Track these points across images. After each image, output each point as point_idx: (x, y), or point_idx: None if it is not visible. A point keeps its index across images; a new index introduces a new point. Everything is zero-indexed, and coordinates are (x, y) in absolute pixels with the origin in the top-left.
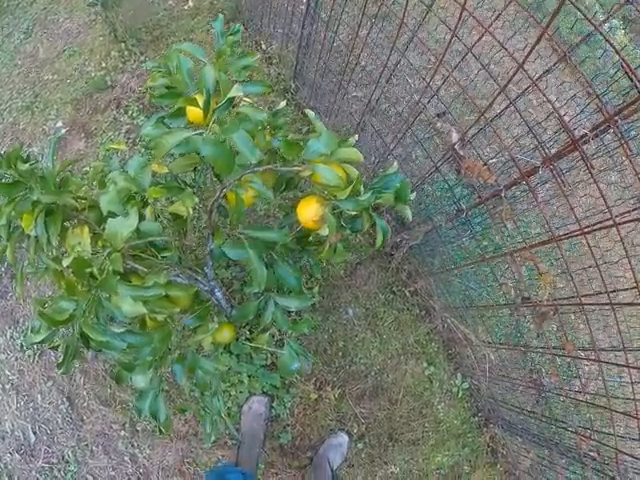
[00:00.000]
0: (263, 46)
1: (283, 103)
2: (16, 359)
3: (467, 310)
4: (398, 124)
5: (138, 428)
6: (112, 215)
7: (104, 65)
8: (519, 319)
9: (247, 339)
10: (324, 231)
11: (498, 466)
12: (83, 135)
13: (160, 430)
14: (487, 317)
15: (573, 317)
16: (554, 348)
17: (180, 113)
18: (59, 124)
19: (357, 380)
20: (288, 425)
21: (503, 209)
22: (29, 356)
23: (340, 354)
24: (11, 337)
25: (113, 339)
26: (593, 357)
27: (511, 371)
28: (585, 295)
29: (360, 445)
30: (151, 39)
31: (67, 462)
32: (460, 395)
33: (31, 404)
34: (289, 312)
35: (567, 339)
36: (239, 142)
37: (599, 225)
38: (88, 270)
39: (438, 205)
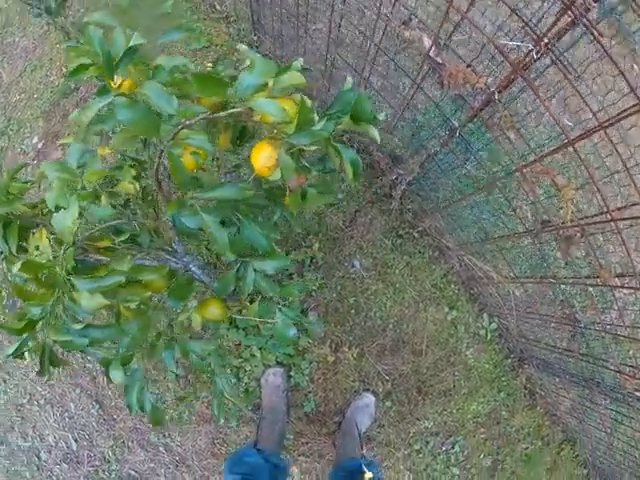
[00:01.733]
0: (217, 7)
1: (244, 46)
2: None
3: (483, 245)
4: (366, 47)
5: (166, 417)
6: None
7: (65, 70)
8: (542, 248)
9: (239, 311)
10: (276, 175)
11: (538, 408)
12: (59, 143)
13: (153, 422)
14: (506, 250)
15: (602, 239)
16: (586, 277)
17: (106, 89)
18: (35, 140)
19: (375, 336)
20: (310, 392)
21: (501, 117)
22: None
23: (353, 311)
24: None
25: (75, 337)
26: (635, 284)
27: (540, 307)
28: (615, 210)
29: (388, 403)
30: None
31: (109, 462)
32: (489, 337)
33: (66, 414)
34: (290, 275)
35: (600, 266)
36: (152, 95)
37: (623, 114)
38: (44, 272)
39: (429, 130)
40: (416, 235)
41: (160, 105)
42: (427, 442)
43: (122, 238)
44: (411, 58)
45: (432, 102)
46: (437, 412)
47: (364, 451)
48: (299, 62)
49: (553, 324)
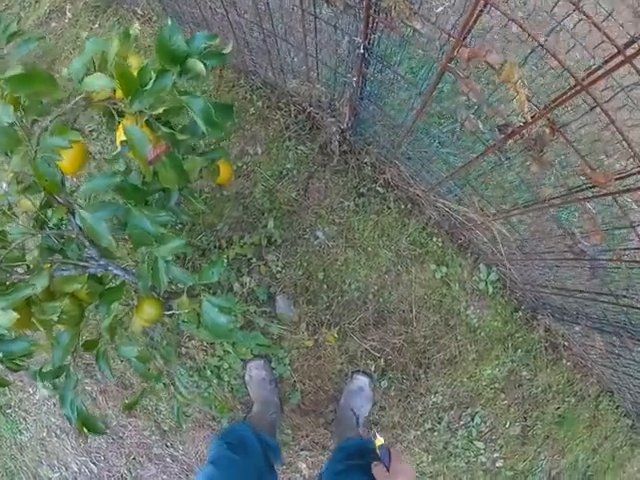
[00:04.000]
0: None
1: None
2: (54, 405)
3: (450, 181)
4: None
5: (165, 428)
6: None
7: None
8: (512, 165)
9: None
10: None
11: (564, 361)
12: None
13: (91, 431)
14: (476, 180)
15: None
16: (577, 190)
17: None
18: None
19: (355, 310)
20: (295, 382)
21: (393, 5)
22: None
23: (325, 287)
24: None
25: None
26: None
27: (536, 244)
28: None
29: (384, 383)
30: None
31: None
32: (491, 291)
33: (80, 439)
34: (249, 260)
35: (590, 168)
36: None
37: None
38: None
39: (339, 61)
40: (380, 189)
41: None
42: (440, 418)
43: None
44: None
45: (329, 25)
46: (445, 384)
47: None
48: (134, 28)
49: (556, 262)
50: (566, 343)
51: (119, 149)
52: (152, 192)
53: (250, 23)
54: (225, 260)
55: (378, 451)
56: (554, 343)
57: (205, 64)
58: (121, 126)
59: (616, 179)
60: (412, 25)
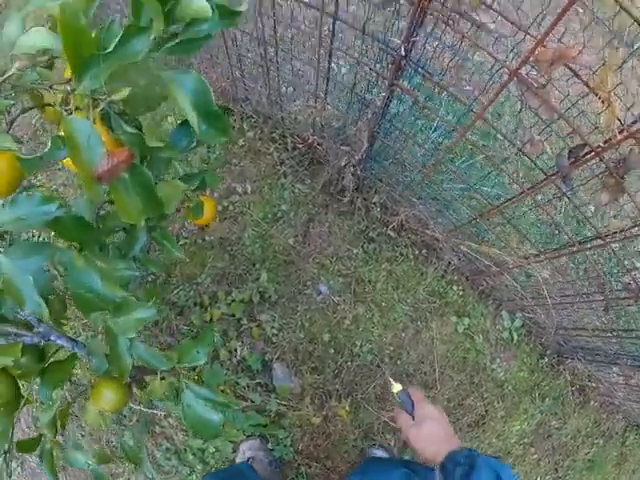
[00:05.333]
0: None
1: None
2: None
3: (481, 221)
4: None
5: None
6: None
7: None
8: (573, 195)
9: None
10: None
11: (591, 403)
12: None
13: None
14: (514, 220)
15: None
16: None
17: None
18: None
19: (368, 377)
20: (300, 465)
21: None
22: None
23: (331, 351)
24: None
25: None
26: None
27: (582, 285)
28: None
29: (407, 457)
30: None
31: None
32: (516, 339)
33: None
34: (238, 320)
35: None
36: None
37: None
38: None
39: (363, 73)
40: (392, 234)
41: None
42: None
43: None
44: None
45: (353, 27)
46: (474, 447)
47: None
48: None
49: (599, 303)
50: (594, 384)
51: (47, 149)
52: (108, 231)
53: (247, 40)
54: (215, 332)
55: (398, 399)
56: (581, 386)
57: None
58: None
59: None
60: (477, 19)
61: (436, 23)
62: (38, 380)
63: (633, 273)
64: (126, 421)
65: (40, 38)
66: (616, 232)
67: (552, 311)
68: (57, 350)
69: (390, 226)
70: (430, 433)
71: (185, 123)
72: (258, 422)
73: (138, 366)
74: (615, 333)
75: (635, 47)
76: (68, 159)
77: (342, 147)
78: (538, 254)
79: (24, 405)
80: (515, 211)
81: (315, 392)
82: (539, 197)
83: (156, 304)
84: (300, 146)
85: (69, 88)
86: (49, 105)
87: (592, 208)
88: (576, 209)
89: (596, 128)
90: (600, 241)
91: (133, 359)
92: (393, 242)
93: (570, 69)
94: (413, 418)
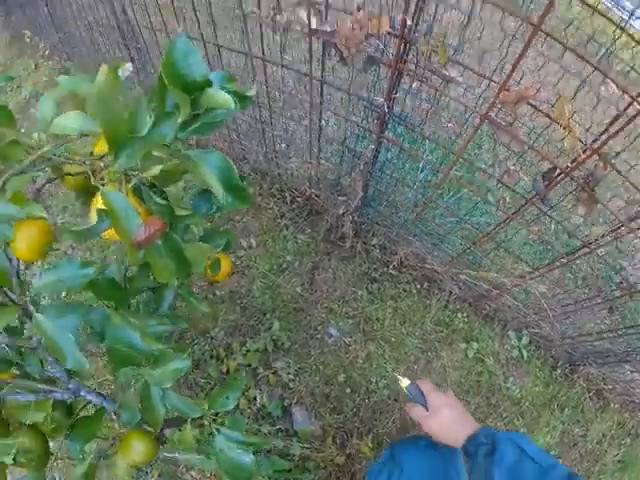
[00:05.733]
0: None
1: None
2: None
3: (476, 249)
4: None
5: None
6: None
7: None
8: (552, 213)
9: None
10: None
11: (612, 405)
12: None
13: None
14: (505, 241)
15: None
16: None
17: None
18: None
19: (387, 412)
20: None
21: (428, 52)
22: None
23: (348, 390)
24: None
25: None
26: None
27: (580, 293)
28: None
29: None
30: None
31: None
32: (526, 355)
33: None
34: (254, 369)
35: None
36: None
37: None
38: None
39: (353, 128)
40: (393, 272)
41: None
42: None
43: None
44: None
45: (340, 89)
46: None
47: None
48: (126, 67)
49: (604, 306)
50: (610, 386)
51: (93, 222)
52: (135, 292)
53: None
54: (244, 379)
55: (408, 393)
56: (598, 390)
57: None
58: (97, 197)
59: None
60: (447, 75)
61: (412, 81)
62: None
63: (622, 272)
64: (148, 477)
65: (74, 120)
66: (597, 239)
67: (555, 323)
68: (85, 405)
69: (390, 265)
70: (447, 420)
71: (204, 192)
72: (283, 467)
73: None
74: (620, 332)
75: (586, 77)
76: (108, 231)
77: (339, 197)
78: (532, 271)
79: (54, 461)
80: (506, 235)
81: (336, 432)
82: (527, 218)
83: (189, 356)
84: (298, 199)
85: (102, 164)
86: (69, 175)
87: (580, 220)
88: (562, 223)
89: (562, 152)
90: (586, 249)
91: (166, 409)
92: (395, 280)
93: (532, 106)
94: (427, 409)
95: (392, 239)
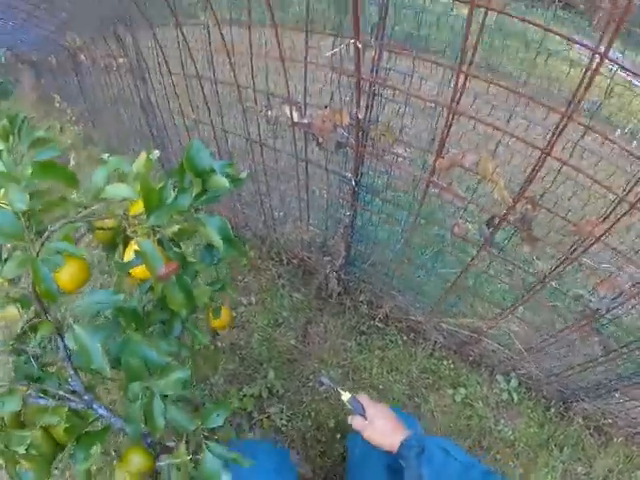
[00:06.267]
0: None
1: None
2: None
3: (449, 298)
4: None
5: None
6: None
7: None
8: (505, 255)
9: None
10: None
11: (615, 439)
12: None
13: None
14: (474, 286)
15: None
16: (571, 251)
17: None
18: None
19: None
20: None
21: (378, 136)
22: None
23: (338, 436)
24: None
25: None
26: None
27: (550, 328)
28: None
29: None
30: None
31: None
32: (516, 398)
33: None
34: (249, 413)
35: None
36: (13, 197)
37: None
38: None
39: (332, 198)
40: (380, 325)
41: (14, 203)
42: None
43: None
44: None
45: (320, 167)
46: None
47: None
48: (153, 154)
49: (576, 335)
50: (610, 420)
51: (132, 258)
52: (151, 322)
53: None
54: (230, 404)
55: (349, 406)
56: (598, 426)
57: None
58: (131, 243)
59: (602, 222)
60: (396, 152)
61: (371, 159)
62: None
63: (582, 300)
64: None
65: (121, 190)
66: (545, 274)
67: (532, 361)
68: (95, 419)
69: (377, 318)
70: (382, 427)
71: (209, 246)
72: None
73: (159, 442)
74: (600, 360)
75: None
76: (137, 268)
77: (325, 257)
78: (501, 312)
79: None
80: (474, 280)
81: (326, 475)
82: (485, 263)
83: (190, 368)
84: (294, 260)
85: (136, 221)
86: (101, 229)
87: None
88: (513, 262)
89: (495, 202)
90: (540, 284)
91: (165, 419)
92: (382, 332)
93: (463, 167)
94: (366, 419)
95: (377, 294)
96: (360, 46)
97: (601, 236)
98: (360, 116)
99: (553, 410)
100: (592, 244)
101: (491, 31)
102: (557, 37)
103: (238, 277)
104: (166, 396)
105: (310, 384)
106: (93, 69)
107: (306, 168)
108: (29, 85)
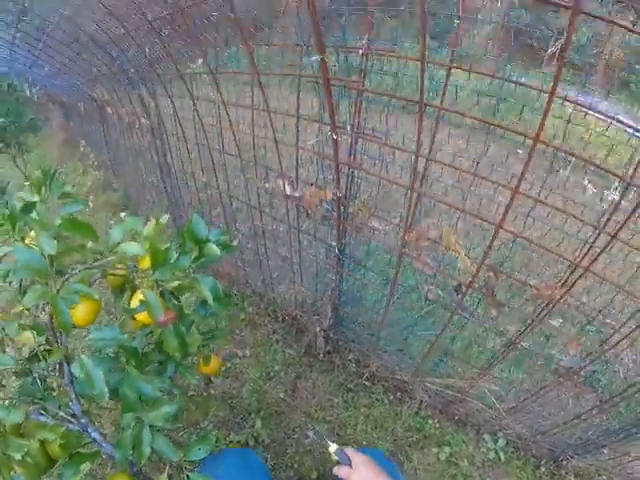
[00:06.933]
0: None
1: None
2: None
3: (431, 357)
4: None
5: None
6: None
7: None
8: (475, 317)
9: None
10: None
11: None
12: None
13: None
14: (452, 348)
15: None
16: (537, 314)
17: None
18: None
19: None
20: None
21: (356, 212)
22: None
23: None
24: None
25: None
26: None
27: (528, 387)
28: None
29: None
30: None
31: None
32: (503, 457)
33: None
34: None
35: (535, 288)
36: (42, 242)
37: None
38: None
39: (319, 264)
40: (367, 383)
41: (43, 247)
42: None
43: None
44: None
45: (310, 235)
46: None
47: None
48: (164, 218)
49: (554, 393)
50: (604, 477)
51: (137, 306)
52: (149, 362)
53: (246, 238)
54: (214, 436)
55: (336, 457)
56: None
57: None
58: (137, 293)
59: (561, 286)
60: (373, 226)
61: (352, 231)
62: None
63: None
64: None
65: (133, 247)
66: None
67: (514, 419)
68: (88, 443)
69: (364, 377)
70: (365, 474)
71: (204, 302)
72: None
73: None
74: (584, 417)
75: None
76: (141, 314)
77: (314, 317)
78: (479, 372)
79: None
80: (451, 342)
81: None
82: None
83: (177, 403)
84: (288, 318)
85: (143, 274)
86: (113, 275)
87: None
88: (484, 325)
89: (459, 270)
90: (511, 346)
91: (152, 449)
92: (369, 390)
93: (430, 240)
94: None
95: (365, 354)
96: (335, 137)
97: (560, 298)
98: (339, 194)
99: (543, 469)
100: (553, 307)
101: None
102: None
103: (236, 330)
104: (155, 427)
105: (295, 436)
106: (118, 123)
107: (298, 235)
108: (58, 125)
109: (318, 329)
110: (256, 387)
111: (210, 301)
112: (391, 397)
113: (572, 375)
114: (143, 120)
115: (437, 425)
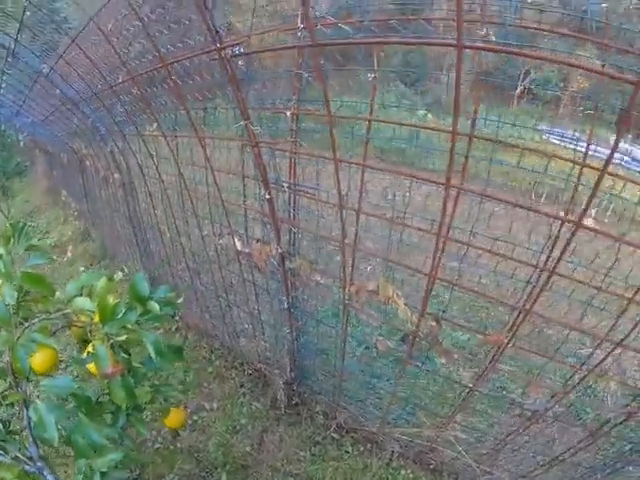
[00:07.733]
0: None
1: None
2: None
3: (397, 406)
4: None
5: None
6: None
7: None
8: (427, 365)
9: None
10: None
11: None
12: None
13: None
14: (413, 397)
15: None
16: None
17: None
18: None
19: None
20: None
21: (299, 267)
22: None
23: None
24: None
25: None
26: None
27: (496, 433)
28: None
29: None
30: None
31: None
32: None
33: None
34: None
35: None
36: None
37: None
38: None
39: (271, 317)
40: (335, 435)
41: (5, 297)
42: None
43: None
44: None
45: (263, 289)
46: None
47: None
48: (118, 275)
49: (526, 437)
50: None
51: (84, 356)
52: (104, 411)
53: (209, 291)
54: None
55: None
56: None
57: (161, 308)
58: (91, 344)
59: (509, 332)
60: (316, 279)
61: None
62: None
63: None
64: None
65: (85, 302)
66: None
67: (487, 465)
68: None
69: (331, 429)
70: None
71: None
72: None
73: None
74: (566, 455)
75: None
76: (91, 364)
77: (275, 370)
78: (442, 421)
79: None
80: (409, 392)
81: None
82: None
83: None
84: (254, 371)
85: (96, 328)
86: (76, 326)
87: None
88: (438, 373)
89: (404, 322)
90: (468, 392)
91: None
92: (337, 442)
93: (369, 291)
94: None
95: (331, 405)
96: (268, 197)
97: (507, 344)
98: (280, 250)
99: None
100: (502, 352)
101: None
102: None
103: (204, 383)
104: (104, 473)
105: None
106: (95, 175)
107: (253, 289)
108: (42, 171)
109: (280, 382)
110: (222, 440)
111: (153, 356)
112: (361, 448)
113: (538, 418)
114: (116, 175)
115: (411, 475)
